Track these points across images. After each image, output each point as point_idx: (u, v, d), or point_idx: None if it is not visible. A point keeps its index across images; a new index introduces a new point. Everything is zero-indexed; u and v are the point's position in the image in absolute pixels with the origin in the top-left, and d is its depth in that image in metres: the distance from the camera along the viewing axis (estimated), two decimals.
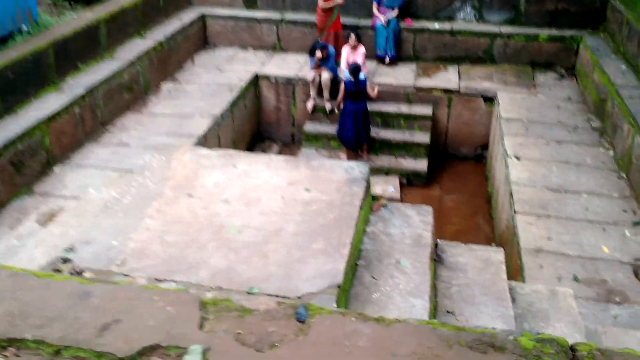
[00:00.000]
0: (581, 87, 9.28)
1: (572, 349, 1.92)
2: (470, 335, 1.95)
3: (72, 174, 6.74)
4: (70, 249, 3.10)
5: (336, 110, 9.21)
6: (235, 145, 8.90)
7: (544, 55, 9.89)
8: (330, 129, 9.25)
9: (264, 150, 9.74)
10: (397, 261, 3.42)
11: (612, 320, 4.83)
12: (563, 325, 3.70)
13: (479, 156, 9.55)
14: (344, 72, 8.91)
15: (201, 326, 1.98)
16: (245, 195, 3.54)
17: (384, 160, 9.02)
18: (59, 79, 7.47)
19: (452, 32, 9.99)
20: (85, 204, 3.60)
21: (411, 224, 3.78)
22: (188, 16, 10.41)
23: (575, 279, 5.29)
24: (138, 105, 8.52)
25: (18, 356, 1.85)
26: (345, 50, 9.28)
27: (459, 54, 10.07)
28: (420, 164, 8.94)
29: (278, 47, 10.63)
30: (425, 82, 9.48)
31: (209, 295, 2.14)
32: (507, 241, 6.48)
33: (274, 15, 10.56)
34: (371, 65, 9.82)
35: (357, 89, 8.50)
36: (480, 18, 10.26)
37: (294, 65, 10.01)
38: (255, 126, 9.95)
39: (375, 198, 4.05)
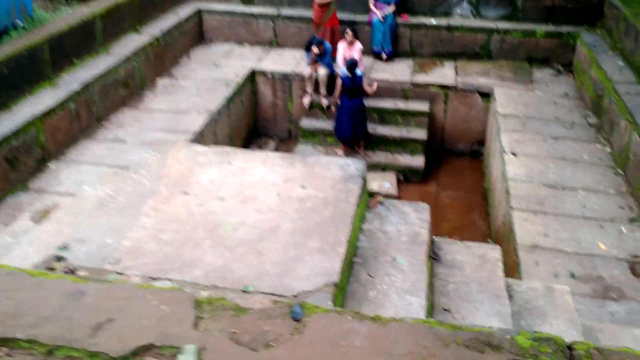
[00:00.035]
0: (578, 83, 9.27)
1: (570, 347, 1.91)
2: (467, 334, 1.94)
3: (68, 170, 6.70)
4: (65, 247, 3.08)
5: (332, 106, 9.19)
6: (232, 141, 8.86)
7: (541, 51, 9.87)
8: (327, 125, 9.23)
9: (260, 146, 9.70)
10: (393, 259, 3.41)
11: (609, 317, 4.83)
12: (560, 322, 3.70)
13: (475, 152, 9.54)
14: (340, 68, 8.88)
15: (196, 325, 1.97)
16: (241, 192, 3.52)
17: (381, 157, 9.00)
18: (54, 74, 7.42)
19: (449, 28, 9.97)
20: (80, 201, 3.58)
21: (408, 222, 3.77)
22: (184, 11, 10.36)
23: (572, 275, 5.29)
24: (134, 100, 8.48)
25: (10, 356, 1.84)
26: (341, 46, 9.24)
27: (455, 50, 10.05)
28: (417, 160, 8.93)
29: (275, 42, 10.60)
30: (422, 78, 9.46)
31: (203, 294, 2.13)
32: (504, 238, 6.47)
33: (270, 10, 10.53)
34: (368, 61, 9.79)
35: (353, 85, 8.47)
36: (477, 14, 10.24)
37: (290, 60, 9.97)
38: (251, 122, 9.92)
39: (372, 195, 4.03)
